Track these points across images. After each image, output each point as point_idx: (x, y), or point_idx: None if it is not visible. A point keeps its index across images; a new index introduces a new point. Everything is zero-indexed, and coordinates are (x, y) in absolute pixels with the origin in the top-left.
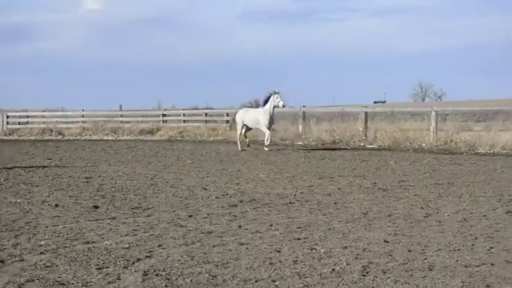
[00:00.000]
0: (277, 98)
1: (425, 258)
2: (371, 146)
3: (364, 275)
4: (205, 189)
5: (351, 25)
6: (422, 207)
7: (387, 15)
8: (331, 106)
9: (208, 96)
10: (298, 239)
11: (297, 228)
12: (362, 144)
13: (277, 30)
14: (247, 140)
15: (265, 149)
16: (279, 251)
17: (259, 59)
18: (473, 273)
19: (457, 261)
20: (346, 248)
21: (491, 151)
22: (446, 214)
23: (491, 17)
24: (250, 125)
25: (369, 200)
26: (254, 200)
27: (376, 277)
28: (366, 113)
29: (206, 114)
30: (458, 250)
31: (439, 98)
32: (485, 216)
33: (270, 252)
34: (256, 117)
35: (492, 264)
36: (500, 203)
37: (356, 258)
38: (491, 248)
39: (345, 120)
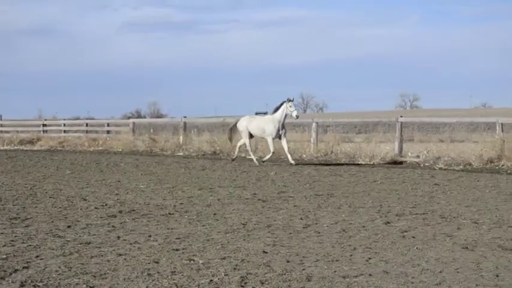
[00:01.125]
0: (290, 106)
1: (303, 269)
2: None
3: (242, 286)
4: (85, 199)
5: (233, 37)
6: (301, 218)
7: (270, 27)
8: (212, 117)
9: (90, 107)
10: (177, 249)
11: (176, 239)
12: (243, 155)
13: (160, 41)
14: (237, 151)
15: (266, 158)
16: (157, 262)
17: (140, 70)
18: (351, 284)
19: (335, 271)
20: (224, 258)
21: (371, 162)
22: (325, 225)
23: (371, 30)
24: (255, 133)
25: (249, 210)
26: (133, 210)
27: (254, 287)
28: None
29: (87, 125)
30: (336, 261)
31: (321, 109)
32: (364, 227)
33: (148, 263)
34: (263, 125)
35: (370, 274)
36: (379, 214)
37: (234, 269)
38: (370, 258)
39: (225, 131)
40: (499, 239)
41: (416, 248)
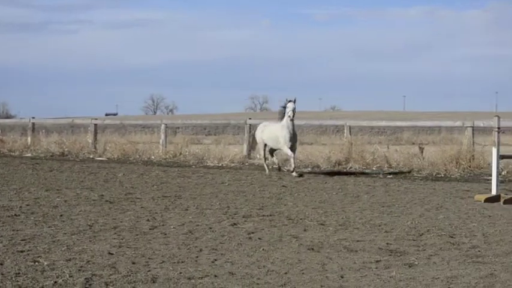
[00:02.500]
0: (288, 107)
1: (149, 271)
2: (100, 158)
3: (86, 287)
4: None
5: (82, 37)
6: (148, 220)
7: (120, 28)
8: (61, 118)
9: None
10: (22, 251)
11: (21, 240)
12: (91, 157)
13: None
14: (276, 160)
15: (293, 174)
16: (1, 264)
17: None
18: (196, 285)
19: (181, 273)
20: (70, 260)
21: (220, 164)
22: (172, 226)
23: (223, 33)
24: (271, 144)
25: (96, 212)
26: None
27: None
28: (95, 125)
29: None
30: (182, 262)
31: (171, 111)
32: (210, 228)
33: None
34: (276, 135)
35: (215, 276)
36: (226, 215)
37: (79, 270)
38: (216, 260)
39: (75, 133)
40: (345, 240)
41: (263, 249)
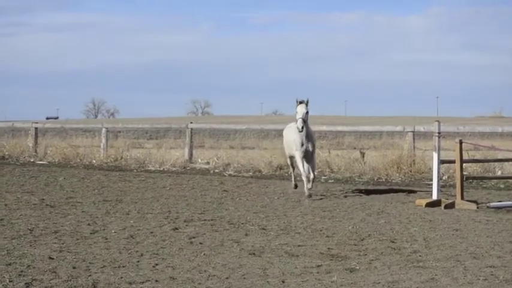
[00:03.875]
0: (298, 113)
1: (89, 275)
2: (41, 162)
3: None
4: None
5: (22, 40)
6: (89, 224)
7: (60, 31)
8: (1, 122)
9: None
10: None
11: None
12: (32, 160)
13: None
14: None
15: (306, 193)
16: None
17: None
18: None
19: (122, 278)
20: (10, 264)
21: (161, 168)
22: (113, 231)
23: (163, 36)
24: (287, 152)
25: (36, 216)
26: None
27: None
28: (36, 128)
29: None
30: (123, 267)
31: (112, 115)
32: (152, 233)
33: None
34: (291, 139)
35: (156, 280)
36: (167, 219)
37: (20, 275)
38: (157, 264)
39: (16, 136)
40: (286, 245)
41: (204, 254)
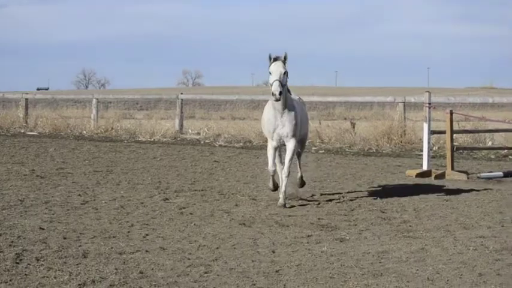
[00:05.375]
0: (271, 74)
1: (80, 246)
2: (31, 133)
3: (17, 263)
4: None
5: (11, 11)
6: (79, 195)
7: (51, 2)
8: None
9: None
10: None
11: None
12: (22, 131)
13: None
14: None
15: (280, 199)
16: None
17: None
18: (127, 260)
19: (112, 248)
20: (0, 235)
21: (152, 139)
22: (103, 201)
23: (153, 7)
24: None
25: (26, 187)
26: None
27: (30, 264)
28: (26, 99)
29: None
30: (113, 237)
31: (103, 85)
32: (142, 203)
33: None
34: (265, 118)
35: (147, 251)
36: (157, 190)
37: (10, 245)
38: (147, 235)
39: (6, 107)
40: (276, 215)
41: (194, 224)
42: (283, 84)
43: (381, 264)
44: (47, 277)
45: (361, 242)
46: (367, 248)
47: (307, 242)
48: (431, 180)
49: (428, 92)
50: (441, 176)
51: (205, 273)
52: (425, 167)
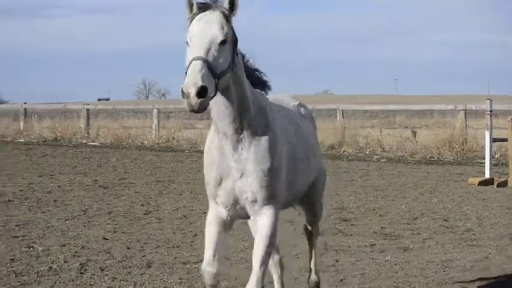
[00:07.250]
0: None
1: (144, 255)
2: (93, 144)
3: (82, 273)
4: None
5: (67, 22)
6: (142, 205)
7: (109, 12)
8: (53, 103)
9: None
10: (16, 237)
11: (15, 226)
12: (84, 142)
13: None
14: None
15: None
16: None
17: None
18: (191, 270)
19: (176, 258)
20: (64, 245)
21: None
22: (166, 211)
23: None
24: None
25: (89, 197)
26: None
27: (94, 274)
28: (87, 110)
29: None
30: (177, 247)
31: (163, 95)
32: (205, 213)
33: None
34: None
35: None
36: None
37: (74, 255)
38: None
39: (67, 118)
40: (339, 224)
41: None
42: (219, 69)
43: (445, 273)
44: (112, 287)
45: (425, 250)
46: (431, 257)
47: (371, 251)
48: (493, 188)
49: (489, 99)
50: (503, 183)
51: (270, 282)
52: (487, 175)
